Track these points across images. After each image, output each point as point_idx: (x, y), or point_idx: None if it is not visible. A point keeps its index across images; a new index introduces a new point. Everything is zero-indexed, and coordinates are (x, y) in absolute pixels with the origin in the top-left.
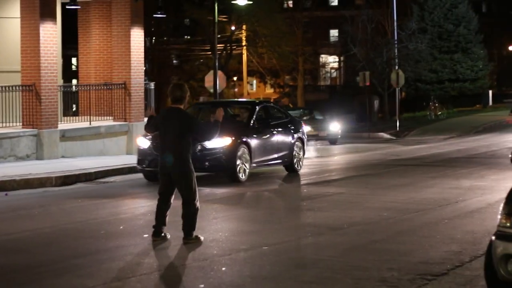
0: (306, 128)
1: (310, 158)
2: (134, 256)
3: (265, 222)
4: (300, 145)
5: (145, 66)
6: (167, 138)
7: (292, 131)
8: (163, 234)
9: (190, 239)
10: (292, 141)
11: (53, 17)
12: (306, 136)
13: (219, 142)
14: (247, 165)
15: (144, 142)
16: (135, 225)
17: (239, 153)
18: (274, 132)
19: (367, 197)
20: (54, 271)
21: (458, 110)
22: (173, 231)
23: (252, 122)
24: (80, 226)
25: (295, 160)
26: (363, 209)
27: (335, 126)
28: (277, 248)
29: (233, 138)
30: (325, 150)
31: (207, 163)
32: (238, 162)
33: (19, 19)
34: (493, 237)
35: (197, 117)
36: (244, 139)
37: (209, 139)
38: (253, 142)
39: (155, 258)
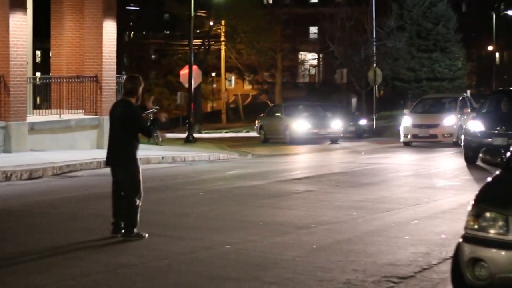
0: (305, 125)
1: (285, 156)
2: (93, 253)
3: (230, 220)
4: None
5: (123, 60)
6: (112, 130)
7: None
8: (123, 230)
9: (130, 235)
10: None
11: (23, 8)
12: None
13: None
14: None
15: None
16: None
17: None
18: None
19: (338, 195)
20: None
21: None
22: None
23: None
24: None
25: None
26: (332, 208)
27: (336, 124)
28: (241, 247)
29: None
30: (307, 147)
31: None
32: None
33: None
34: (461, 240)
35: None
36: None
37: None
38: None
39: (112, 256)
